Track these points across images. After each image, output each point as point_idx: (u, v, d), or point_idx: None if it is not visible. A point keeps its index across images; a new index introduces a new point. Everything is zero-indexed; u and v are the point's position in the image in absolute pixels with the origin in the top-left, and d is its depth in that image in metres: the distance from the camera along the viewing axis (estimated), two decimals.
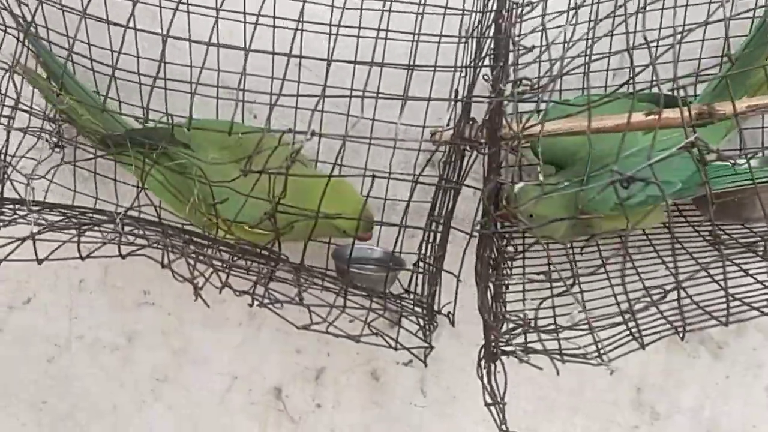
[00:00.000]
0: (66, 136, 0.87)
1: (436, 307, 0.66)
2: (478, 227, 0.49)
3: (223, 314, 0.97)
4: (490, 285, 0.58)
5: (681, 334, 0.49)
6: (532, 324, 0.51)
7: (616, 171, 0.45)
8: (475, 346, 0.98)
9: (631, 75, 0.45)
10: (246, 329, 0.99)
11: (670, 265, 0.51)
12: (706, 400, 0.98)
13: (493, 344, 0.52)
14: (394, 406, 1.02)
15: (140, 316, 1.00)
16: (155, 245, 0.54)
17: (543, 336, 0.53)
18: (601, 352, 0.50)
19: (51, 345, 1.00)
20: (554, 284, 0.67)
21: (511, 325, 0.52)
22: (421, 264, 0.73)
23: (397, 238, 0.57)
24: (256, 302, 0.55)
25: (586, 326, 0.54)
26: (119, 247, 0.52)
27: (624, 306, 0.51)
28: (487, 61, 0.63)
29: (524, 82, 0.48)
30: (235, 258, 0.56)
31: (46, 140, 0.86)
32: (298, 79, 0.81)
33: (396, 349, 0.64)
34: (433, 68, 0.78)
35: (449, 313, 0.54)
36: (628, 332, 0.51)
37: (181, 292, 0.95)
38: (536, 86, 0.49)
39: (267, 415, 1.03)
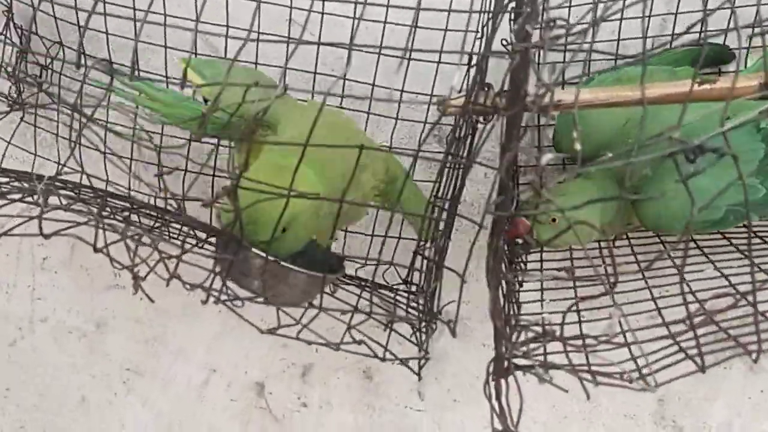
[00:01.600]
0: (26, 93, 0.76)
1: (436, 308, 0.54)
2: (492, 208, 0.37)
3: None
4: (503, 284, 0.46)
5: (755, 357, 0.38)
6: (557, 333, 0.39)
7: (679, 139, 0.34)
8: (481, 345, 0.88)
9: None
10: (226, 318, 0.89)
11: (730, 270, 0.40)
12: (736, 417, 0.86)
13: (506, 357, 0.41)
14: (387, 409, 0.91)
15: (110, 300, 0.89)
16: (88, 222, 0.43)
17: (568, 349, 0.42)
18: (645, 372, 0.38)
19: (13, 327, 0.90)
20: (579, 284, 0.55)
21: (530, 334, 0.40)
22: (419, 257, 0.62)
23: (389, 224, 0.45)
24: (211, 299, 0.44)
25: (622, 339, 0.42)
26: (40, 224, 0.41)
27: (672, 316, 0.40)
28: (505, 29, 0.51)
29: (558, 22, 0.37)
30: (189, 240, 0.45)
31: (4, 98, 0.75)
32: (287, 35, 0.70)
33: (384, 359, 0.53)
34: (443, 29, 0.67)
35: (450, 321, 0.43)
36: (679, 349, 0.40)
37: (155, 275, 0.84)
38: (571, 32, 0.37)
39: (248, 413, 0.92)
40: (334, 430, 0.91)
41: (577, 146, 0.35)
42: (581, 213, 0.51)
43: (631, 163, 0.35)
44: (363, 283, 0.67)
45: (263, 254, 0.44)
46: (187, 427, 0.92)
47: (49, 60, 0.75)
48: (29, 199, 0.43)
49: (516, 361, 0.42)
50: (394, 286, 0.72)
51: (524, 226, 0.53)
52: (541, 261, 0.58)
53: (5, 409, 0.93)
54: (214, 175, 0.71)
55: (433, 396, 0.89)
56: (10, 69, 0.73)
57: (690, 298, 0.43)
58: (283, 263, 0.45)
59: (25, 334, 0.90)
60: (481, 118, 0.57)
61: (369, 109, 0.70)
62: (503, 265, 0.42)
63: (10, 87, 0.76)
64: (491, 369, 0.44)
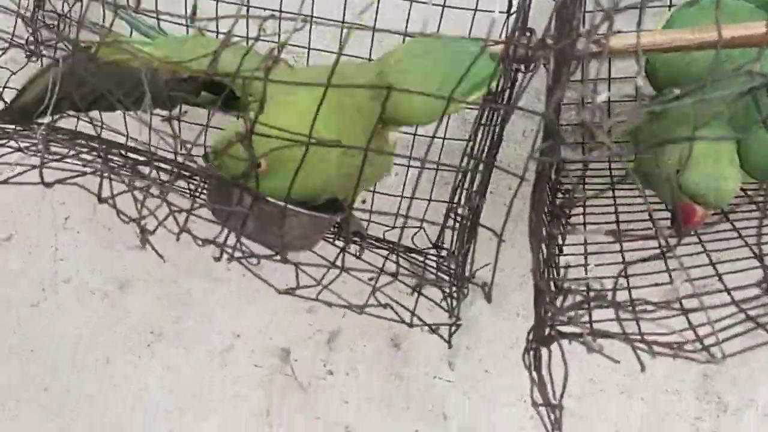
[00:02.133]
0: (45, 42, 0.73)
1: (468, 272, 0.50)
2: (537, 154, 0.33)
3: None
4: (544, 243, 0.42)
5: None
6: (608, 297, 0.35)
7: (760, 73, 0.29)
8: (516, 315, 0.84)
9: None
10: (251, 282, 0.85)
11: None
12: None
13: (548, 323, 0.37)
14: (416, 378, 0.88)
15: (133, 260, 0.87)
16: (91, 171, 0.39)
17: (620, 315, 0.37)
18: (709, 343, 0.34)
19: (36, 287, 0.88)
20: (626, 247, 0.51)
21: (576, 299, 0.36)
22: (451, 216, 0.58)
23: (418, 178, 0.40)
24: (225, 256, 0.40)
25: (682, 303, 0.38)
26: (41, 172, 0.37)
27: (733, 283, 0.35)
28: None
29: None
30: (200, 190, 0.41)
31: (22, 47, 0.72)
32: None
33: (411, 325, 0.50)
34: None
35: (485, 284, 0.39)
36: (745, 318, 0.35)
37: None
38: None
39: (273, 380, 0.90)
40: (361, 399, 0.88)
41: (639, 82, 0.30)
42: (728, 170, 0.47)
43: (703, 100, 0.30)
44: (391, 246, 0.63)
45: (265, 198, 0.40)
46: (210, 393, 0.90)
47: (66, 8, 0.72)
48: (29, 146, 0.39)
49: (560, 327, 0.38)
50: (424, 250, 0.68)
51: (701, 213, 0.46)
52: (584, 219, 0.54)
53: (29, 370, 0.92)
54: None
55: (463, 366, 0.86)
56: (27, 15, 0.70)
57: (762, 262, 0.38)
58: (276, 201, 0.40)
59: (48, 295, 0.88)
60: (522, 67, 0.53)
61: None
62: (547, 221, 0.38)
63: (28, 36, 0.73)
64: (531, 336, 0.40)
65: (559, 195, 0.55)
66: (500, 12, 0.61)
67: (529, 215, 0.38)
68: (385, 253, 0.56)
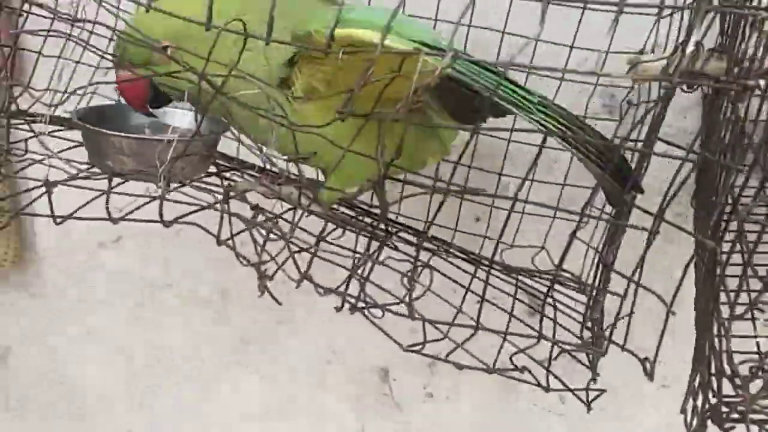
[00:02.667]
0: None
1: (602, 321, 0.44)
2: (745, 213, 0.27)
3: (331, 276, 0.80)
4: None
5: None
6: None
7: None
8: (640, 350, 0.77)
9: None
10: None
11: None
12: None
13: (726, 407, 0.31)
14: (522, 408, 0.82)
15: (236, 271, 0.86)
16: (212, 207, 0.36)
17: None
18: None
19: (141, 290, 0.89)
20: None
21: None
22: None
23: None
24: (346, 305, 0.37)
25: None
26: (161, 211, 0.35)
27: None
28: None
29: None
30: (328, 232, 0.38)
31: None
32: None
33: (548, 389, 0.45)
34: None
35: (646, 359, 0.33)
36: None
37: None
38: None
39: (367, 398, 0.87)
40: (461, 425, 0.84)
41: None
42: None
43: None
44: (514, 275, 0.57)
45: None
46: (304, 407, 0.88)
47: None
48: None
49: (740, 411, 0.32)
50: (549, 273, 0.61)
51: None
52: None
53: (125, 366, 0.93)
54: None
55: (575, 401, 0.80)
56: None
57: None
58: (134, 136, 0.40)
59: (152, 298, 0.89)
60: (683, 87, 0.46)
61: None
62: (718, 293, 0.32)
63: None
64: (700, 409, 0.35)
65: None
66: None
67: (697, 285, 0.33)
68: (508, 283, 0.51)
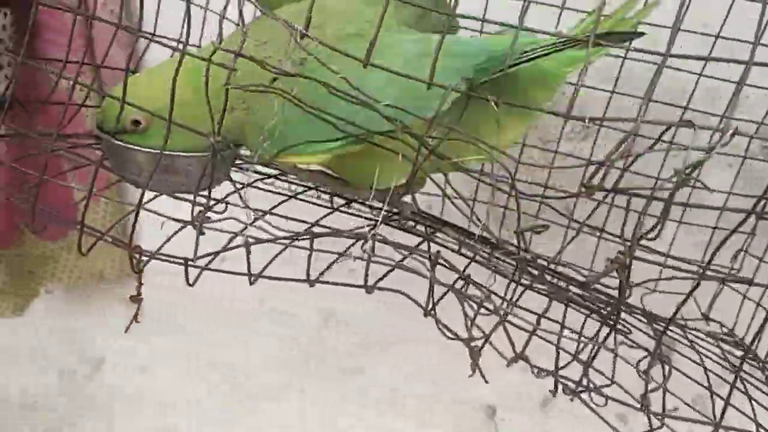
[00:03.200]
0: None
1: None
2: None
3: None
4: None
5: None
6: None
7: None
8: None
9: None
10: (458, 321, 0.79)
11: None
12: None
13: None
14: None
15: (340, 293, 0.83)
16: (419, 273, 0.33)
17: None
18: None
19: (240, 310, 0.86)
20: None
21: None
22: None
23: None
24: (568, 391, 0.33)
25: None
26: (366, 275, 0.31)
27: None
28: None
29: None
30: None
31: None
32: None
33: None
34: None
35: None
36: None
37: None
38: None
39: None
40: None
41: None
42: None
43: None
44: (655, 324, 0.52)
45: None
46: None
47: None
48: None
49: None
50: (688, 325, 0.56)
51: None
52: None
53: (215, 383, 0.91)
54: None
55: None
56: None
57: None
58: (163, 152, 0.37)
59: (252, 318, 0.86)
60: None
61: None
62: None
63: None
64: None
65: None
66: None
67: None
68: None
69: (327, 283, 0.34)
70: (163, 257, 0.36)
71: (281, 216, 0.42)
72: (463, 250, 0.37)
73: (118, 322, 0.90)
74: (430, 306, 0.32)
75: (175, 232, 0.36)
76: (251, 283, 0.35)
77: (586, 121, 0.27)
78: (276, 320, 0.85)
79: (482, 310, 0.32)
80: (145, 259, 0.36)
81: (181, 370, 0.90)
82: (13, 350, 0.95)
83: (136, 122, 0.39)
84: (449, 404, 0.82)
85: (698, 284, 0.31)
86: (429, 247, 0.36)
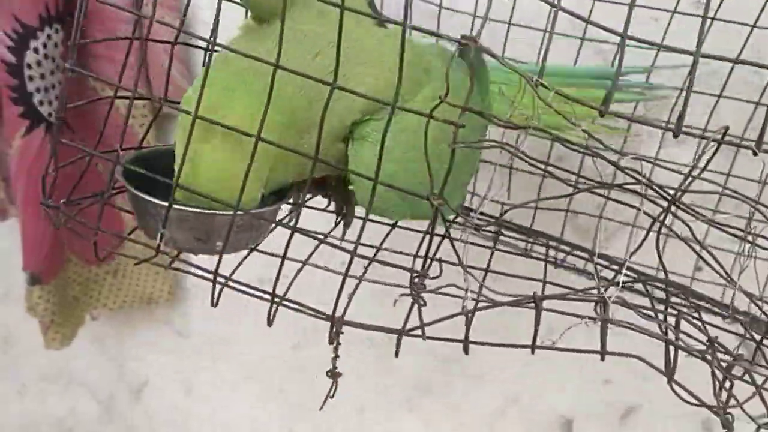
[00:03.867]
0: None
1: None
2: None
3: (514, 320, 0.73)
4: None
5: None
6: None
7: None
8: None
9: None
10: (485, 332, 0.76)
11: None
12: None
13: None
14: None
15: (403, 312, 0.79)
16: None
17: None
18: None
19: (298, 330, 0.82)
20: None
21: None
22: None
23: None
24: None
25: None
26: (603, 340, 0.28)
27: None
28: None
29: None
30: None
31: None
32: None
33: None
34: None
35: None
36: None
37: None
38: None
39: None
40: None
41: None
42: None
43: None
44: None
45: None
46: None
47: None
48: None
49: None
50: None
51: None
52: None
53: (274, 409, 0.87)
54: None
55: None
56: None
57: None
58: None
59: (310, 339, 0.82)
60: None
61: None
62: None
63: None
64: None
65: None
66: None
67: None
68: None
69: (550, 348, 0.31)
70: (369, 327, 0.32)
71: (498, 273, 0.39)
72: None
73: (165, 343, 0.85)
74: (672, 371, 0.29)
75: (395, 301, 0.33)
76: (466, 353, 0.31)
77: None
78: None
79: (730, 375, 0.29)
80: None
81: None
82: (54, 377, 0.90)
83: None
84: (522, 418, 0.80)
85: None
86: (666, 310, 0.33)
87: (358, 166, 0.34)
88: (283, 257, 0.33)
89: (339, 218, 0.45)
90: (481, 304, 0.31)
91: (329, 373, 0.35)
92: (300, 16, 0.36)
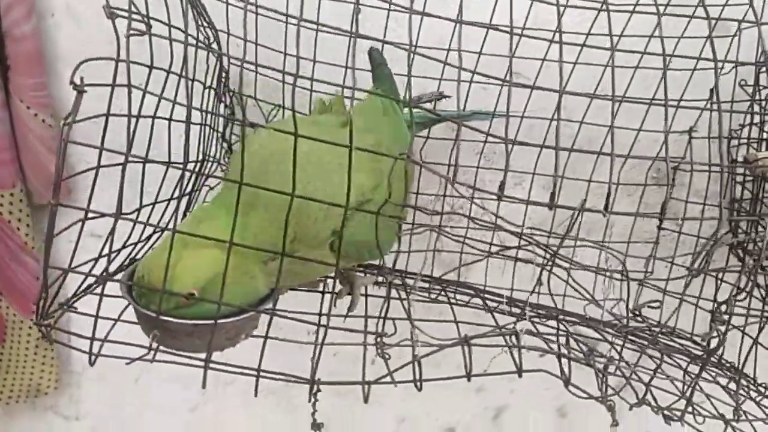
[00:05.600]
0: None
1: None
2: None
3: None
4: None
5: None
6: None
7: None
8: None
9: None
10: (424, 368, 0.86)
11: None
12: None
13: None
14: None
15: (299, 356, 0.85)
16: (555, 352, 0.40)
17: None
18: None
19: (196, 393, 0.85)
20: None
21: None
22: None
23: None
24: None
25: None
26: (516, 360, 0.38)
27: None
28: None
29: None
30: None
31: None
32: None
33: None
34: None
35: None
36: None
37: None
38: None
39: None
40: None
41: None
42: None
43: None
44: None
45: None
46: None
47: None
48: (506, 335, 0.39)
49: None
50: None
51: None
52: None
53: None
54: None
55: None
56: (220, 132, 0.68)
57: None
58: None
59: (214, 394, 0.85)
60: None
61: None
62: None
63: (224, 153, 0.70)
64: None
65: None
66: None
67: None
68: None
69: (486, 375, 0.40)
70: (341, 383, 0.39)
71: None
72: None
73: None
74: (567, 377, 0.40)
75: (373, 361, 0.40)
76: (419, 389, 0.39)
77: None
78: None
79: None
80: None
81: None
82: None
83: (191, 294, 0.38)
84: None
85: None
86: (557, 328, 0.44)
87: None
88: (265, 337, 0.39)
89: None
90: (428, 349, 0.39)
91: (313, 426, 0.41)
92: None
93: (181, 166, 0.40)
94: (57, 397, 0.83)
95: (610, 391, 0.40)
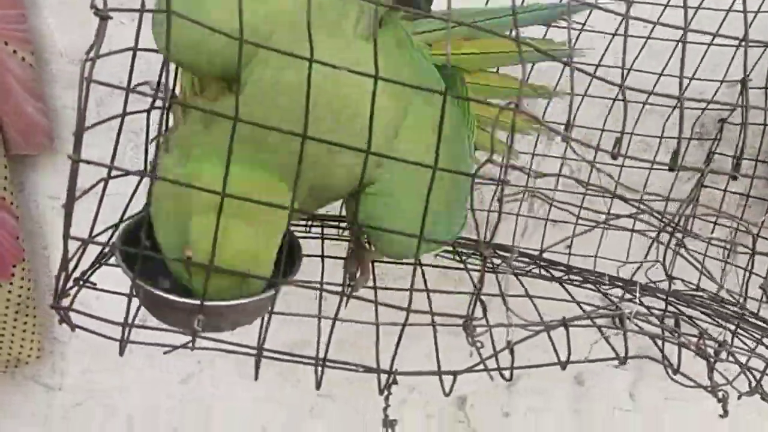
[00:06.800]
0: None
1: None
2: None
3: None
4: None
5: None
6: None
7: None
8: None
9: None
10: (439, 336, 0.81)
11: None
12: None
13: None
14: (597, 412, 0.87)
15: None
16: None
17: None
18: None
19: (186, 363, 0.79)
20: None
21: None
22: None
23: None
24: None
25: None
26: (626, 347, 0.33)
27: None
28: None
29: None
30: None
31: None
32: None
33: None
34: None
35: None
36: None
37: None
38: None
39: (445, 428, 0.86)
40: None
41: None
42: None
43: None
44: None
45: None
46: None
47: None
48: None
49: None
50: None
51: None
52: None
53: None
54: None
55: (644, 397, 0.86)
56: None
57: None
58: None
59: (204, 367, 0.79)
60: None
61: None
62: None
63: None
64: None
65: None
66: None
67: None
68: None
69: (578, 362, 0.35)
70: (417, 373, 0.33)
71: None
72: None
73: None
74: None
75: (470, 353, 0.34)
76: (508, 379, 0.34)
77: None
78: None
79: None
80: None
81: None
82: None
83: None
84: (422, 404, 0.85)
85: None
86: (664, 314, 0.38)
87: (371, 219, 0.35)
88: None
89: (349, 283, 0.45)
90: (524, 333, 0.34)
91: (384, 422, 0.35)
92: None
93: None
94: (39, 366, 0.75)
95: (720, 380, 0.35)
